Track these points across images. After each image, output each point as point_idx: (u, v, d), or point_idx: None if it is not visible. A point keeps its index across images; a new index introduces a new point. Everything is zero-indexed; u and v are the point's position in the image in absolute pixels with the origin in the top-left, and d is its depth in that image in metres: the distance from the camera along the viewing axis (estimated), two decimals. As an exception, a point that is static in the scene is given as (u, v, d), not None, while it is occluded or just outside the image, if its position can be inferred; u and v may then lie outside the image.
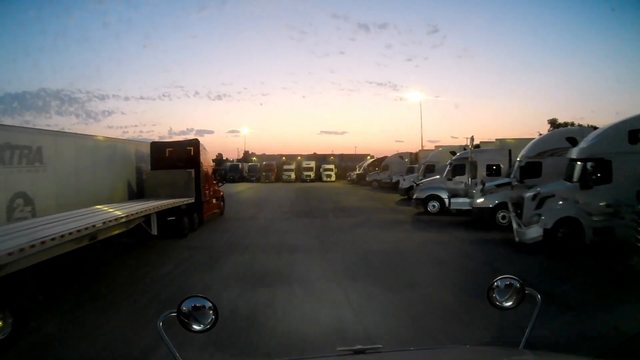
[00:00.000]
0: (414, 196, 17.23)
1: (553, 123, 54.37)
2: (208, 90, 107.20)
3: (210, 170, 16.11)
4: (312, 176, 51.32)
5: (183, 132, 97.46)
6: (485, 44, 79.28)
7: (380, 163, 38.75)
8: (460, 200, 16.52)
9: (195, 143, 14.74)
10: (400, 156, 33.11)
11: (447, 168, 17.23)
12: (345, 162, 58.12)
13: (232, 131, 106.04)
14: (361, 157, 56.47)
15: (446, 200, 16.67)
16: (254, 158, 66.91)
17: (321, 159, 58.90)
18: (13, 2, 61.20)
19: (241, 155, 70.18)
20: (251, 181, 51.72)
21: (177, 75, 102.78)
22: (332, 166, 53.75)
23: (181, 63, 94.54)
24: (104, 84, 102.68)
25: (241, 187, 37.86)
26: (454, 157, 17.76)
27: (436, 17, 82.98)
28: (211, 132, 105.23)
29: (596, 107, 69.84)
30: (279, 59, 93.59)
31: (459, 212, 16.23)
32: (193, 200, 13.59)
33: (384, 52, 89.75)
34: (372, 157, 56.11)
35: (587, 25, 69.63)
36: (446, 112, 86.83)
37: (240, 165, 57.96)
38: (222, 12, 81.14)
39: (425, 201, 16.69)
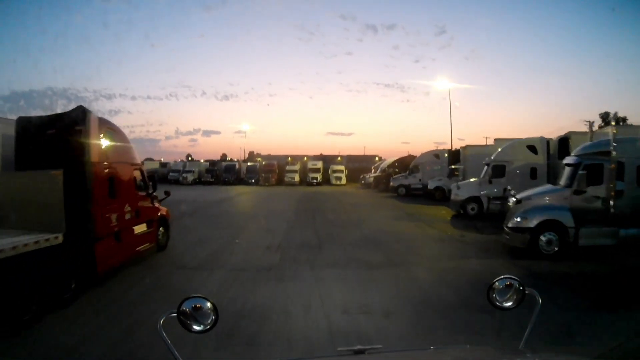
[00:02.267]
0: (512, 224, 9.35)
1: (605, 117, 46.37)
2: (215, 90, 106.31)
3: (128, 172, 8.57)
4: (319, 178, 43.64)
5: (190, 132, 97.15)
6: (492, 45, 77.99)
7: (404, 163, 31.07)
8: (599, 230, 8.87)
9: (82, 116, 7.18)
10: (436, 154, 25.38)
11: (573, 171, 9.48)
12: (353, 164, 51.53)
13: (239, 132, 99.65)
14: (369, 159, 52.89)
15: (570, 231, 8.96)
16: (259, 158, 60.36)
17: (328, 160, 51.61)
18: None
19: (246, 156, 65.82)
20: (249, 184, 44.24)
21: (184, 74, 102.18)
22: (342, 167, 46.06)
23: (188, 63, 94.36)
24: (110, 83, 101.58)
25: (231, 192, 30.34)
26: (577, 151, 10.00)
27: (444, 18, 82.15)
28: (218, 132, 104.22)
29: (602, 110, 66.94)
30: (287, 60, 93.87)
31: (593, 249, 8.70)
32: (60, 239, 6.12)
33: (392, 53, 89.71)
34: (380, 158, 54.09)
35: (592, 26, 68.49)
36: (453, 114, 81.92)
37: (237, 166, 50.36)
38: (229, 12, 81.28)
39: (535, 233, 8.95)
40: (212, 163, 53.28)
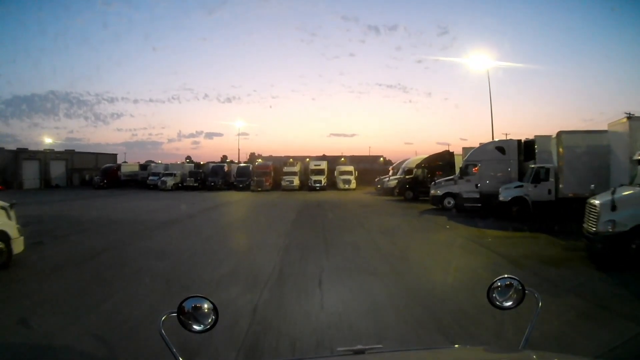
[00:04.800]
0: None
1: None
2: (217, 93, 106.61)
3: None
4: (323, 182, 35.53)
5: (192, 135, 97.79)
6: (493, 45, 78.68)
7: (437, 162, 23.02)
8: None
9: None
10: (499, 147, 17.10)
11: None
12: (357, 164, 44.51)
13: (242, 134, 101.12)
14: (373, 159, 51.20)
15: None
16: (259, 160, 53.27)
17: (331, 161, 43.97)
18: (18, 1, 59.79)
19: (247, 157, 62.83)
20: (239, 189, 36.33)
21: (186, 77, 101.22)
22: (350, 168, 37.84)
23: (191, 66, 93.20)
24: (113, 86, 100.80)
25: (206, 203, 22.29)
26: None
27: (446, 18, 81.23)
28: (220, 134, 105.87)
29: (605, 109, 66.96)
30: (289, 62, 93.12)
31: None
32: None
33: (394, 54, 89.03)
34: (384, 158, 51.34)
35: (595, 26, 66.74)
36: (455, 114, 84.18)
37: (225, 168, 42.22)
38: (232, 14, 79.94)
39: None
40: (198, 165, 45.08)
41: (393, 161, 55.01)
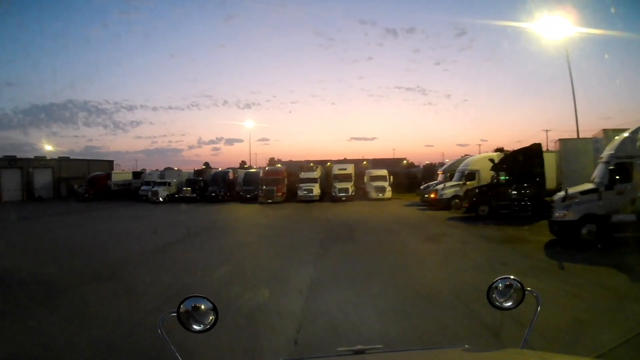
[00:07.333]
0: None
1: None
2: (237, 99, 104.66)
3: None
4: (350, 190, 28.27)
5: (212, 141, 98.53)
6: (511, 46, 75.76)
7: (529, 160, 15.58)
8: None
9: None
10: None
11: None
12: (380, 168, 37.95)
13: (262, 139, 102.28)
14: (396, 162, 48.16)
15: None
16: (278, 165, 47.38)
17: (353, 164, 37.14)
18: (37, 9, 61.25)
19: (266, 163, 58.04)
20: (245, 200, 29.64)
21: (205, 84, 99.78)
22: (384, 172, 30.14)
23: (210, 72, 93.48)
24: (131, 94, 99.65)
25: (173, 232, 15.26)
26: None
27: (463, 20, 76.42)
28: (241, 140, 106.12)
29: (623, 107, 56.85)
30: (308, 67, 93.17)
31: None
32: None
33: (413, 56, 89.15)
34: (407, 161, 50.24)
35: (614, 23, 55.47)
36: (475, 116, 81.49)
37: (230, 174, 35.40)
38: (250, 21, 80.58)
39: None
40: (198, 172, 38.33)
41: (416, 164, 51.44)
